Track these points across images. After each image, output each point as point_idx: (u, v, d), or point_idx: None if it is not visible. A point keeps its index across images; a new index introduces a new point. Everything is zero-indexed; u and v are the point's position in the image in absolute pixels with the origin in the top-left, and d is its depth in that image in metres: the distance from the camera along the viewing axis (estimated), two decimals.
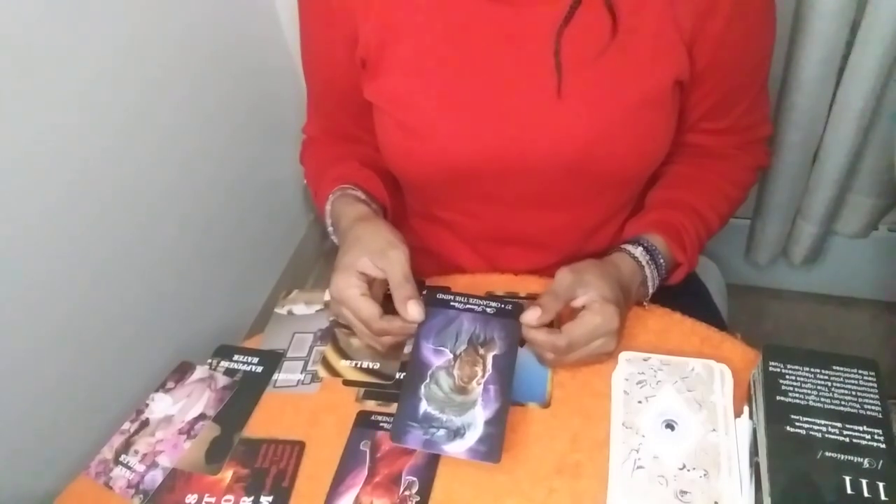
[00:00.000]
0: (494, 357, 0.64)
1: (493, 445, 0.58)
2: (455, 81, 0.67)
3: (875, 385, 0.54)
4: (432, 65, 0.68)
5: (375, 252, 0.65)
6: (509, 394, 0.61)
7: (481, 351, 0.64)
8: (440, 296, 0.69)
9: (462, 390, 0.62)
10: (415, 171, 0.73)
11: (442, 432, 0.59)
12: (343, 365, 0.71)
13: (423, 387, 0.62)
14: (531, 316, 0.62)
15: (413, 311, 0.63)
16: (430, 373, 0.63)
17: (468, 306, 0.68)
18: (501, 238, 0.78)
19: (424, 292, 0.74)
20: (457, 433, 0.59)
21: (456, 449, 0.58)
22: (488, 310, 0.68)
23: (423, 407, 0.61)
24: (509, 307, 0.68)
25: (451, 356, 0.64)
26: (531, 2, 0.64)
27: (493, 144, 0.68)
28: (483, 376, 0.63)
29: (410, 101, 0.69)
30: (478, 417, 0.60)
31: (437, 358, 0.64)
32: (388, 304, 0.65)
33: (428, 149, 0.69)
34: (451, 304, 0.68)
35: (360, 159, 0.79)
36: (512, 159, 0.68)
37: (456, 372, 0.63)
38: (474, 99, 0.67)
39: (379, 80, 0.70)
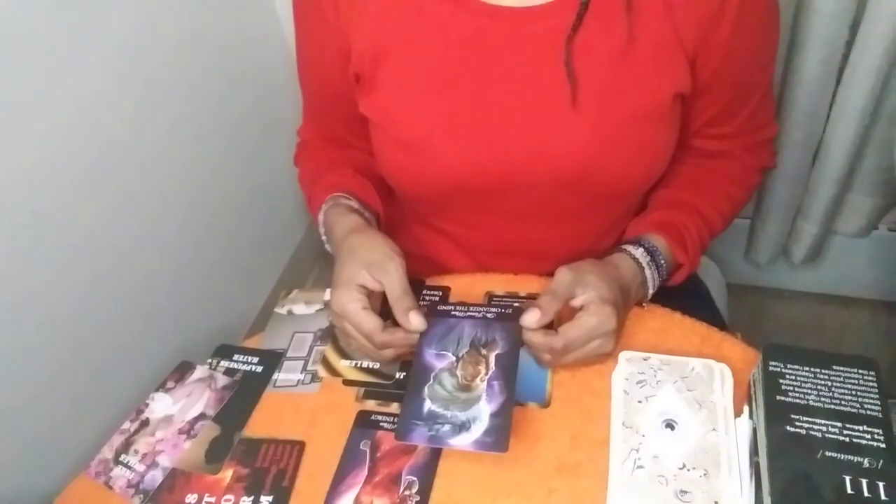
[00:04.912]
0: (497, 356, 0.64)
1: (500, 436, 0.58)
2: (452, 98, 0.67)
3: (875, 385, 0.54)
4: (428, 81, 0.67)
5: (374, 264, 0.65)
6: (513, 388, 0.61)
7: (483, 351, 0.64)
8: (440, 307, 0.70)
9: (466, 388, 0.62)
10: (412, 185, 0.73)
11: (447, 427, 0.59)
12: (343, 365, 0.71)
13: (426, 388, 0.62)
14: (531, 318, 0.62)
15: (415, 321, 0.64)
16: (433, 374, 0.63)
17: (469, 314, 0.68)
18: (500, 248, 0.78)
19: (424, 303, 0.74)
20: (462, 427, 0.59)
21: (462, 441, 0.58)
22: (489, 315, 0.68)
23: (428, 405, 0.61)
24: (509, 311, 0.68)
25: (454, 358, 0.64)
26: (529, 17, 0.64)
27: (491, 160, 0.67)
28: (486, 374, 0.62)
29: (406, 118, 0.68)
30: (483, 411, 0.60)
31: (439, 361, 0.64)
32: (384, 314, 0.65)
33: (425, 164, 0.69)
34: (452, 313, 0.68)
35: (353, 165, 0.79)
36: (510, 174, 0.68)
37: (459, 372, 0.63)
38: (471, 115, 0.67)
39: (374, 95, 0.69)
